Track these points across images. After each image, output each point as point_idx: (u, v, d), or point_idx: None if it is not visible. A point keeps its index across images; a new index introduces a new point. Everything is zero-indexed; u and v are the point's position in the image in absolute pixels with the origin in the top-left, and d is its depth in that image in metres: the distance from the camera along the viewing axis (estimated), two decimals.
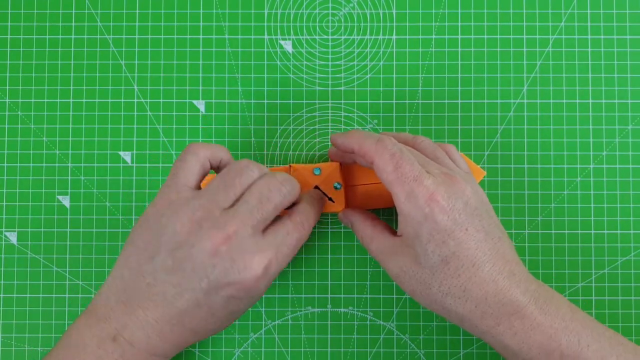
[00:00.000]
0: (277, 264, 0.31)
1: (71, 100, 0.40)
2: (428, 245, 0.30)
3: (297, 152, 0.40)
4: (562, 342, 0.30)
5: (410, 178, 0.30)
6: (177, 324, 0.31)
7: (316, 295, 0.40)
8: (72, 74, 0.40)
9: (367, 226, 0.35)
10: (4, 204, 0.40)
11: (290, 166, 0.37)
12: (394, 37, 0.41)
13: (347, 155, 0.36)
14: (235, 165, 0.32)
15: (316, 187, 0.36)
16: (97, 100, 0.40)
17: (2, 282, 0.40)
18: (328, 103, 0.40)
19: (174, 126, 0.40)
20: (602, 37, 0.40)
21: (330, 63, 0.41)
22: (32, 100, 0.40)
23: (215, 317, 0.31)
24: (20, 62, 0.41)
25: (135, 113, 0.40)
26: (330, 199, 0.36)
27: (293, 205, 0.34)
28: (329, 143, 0.40)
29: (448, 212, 0.30)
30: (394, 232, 0.34)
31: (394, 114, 0.40)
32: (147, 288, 0.31)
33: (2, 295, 0.40)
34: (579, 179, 0.40)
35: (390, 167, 0.31)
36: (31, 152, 0.40)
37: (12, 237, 0.40)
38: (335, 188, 0.36)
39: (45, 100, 0.40)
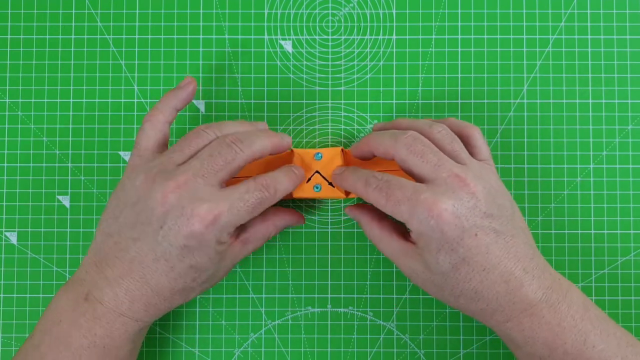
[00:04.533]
0: (229, 216, 0.31)
1: (71, 100, 0.40)
2: (438, 255, 0.31)
3: None
4: (567, 340, 0.31)
5: (404, 200, 0.30)
6: (140, 280, 0.31)
7: (316, 295, 0.40)
8: (72, 74, 0.40)
9: (374, 227, 0.35)
10: (4, 204, 0.40)
11: (291, 150, 0.37)
12: (394, 37, 0.41)
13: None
14: (196, 128, 0.34)
15: (317, 172, 0.36)
16: (97, 100, 0.40)
17: (2, 282, 0.40)
18: (328, 103, 0.40)
19: (174, 126, 0.40)
20: (602, 37, 0.40)
21: (330, 63, 0.41)
22: (32, 100, 0.40)
23: (174, 271, 0.31)
24: (20, 62, 0.41)
25: (135, 113, 0.40)
26: (330, 183, 0.36)
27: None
28: (329, 143, 0.40)
29: (454, 221, 0.30)
30: (402, 232, 0.34)
31: (394, 114, 0.40)
32: (115, 246, 0.32)
33: (2, 295, 0.40)
34: (579, 179, 0.40)
35: (382, 200, 0.31)
36: (31, 152, 0.40)
37: (12, 237, 0.40)
38: None
39: (45, 100, 0.40)
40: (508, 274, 0.31)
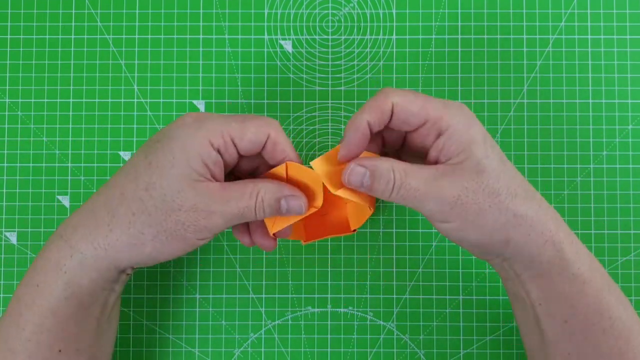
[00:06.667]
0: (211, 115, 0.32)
1: (71, 100, 0.40)
2: (486, 146, 0.30)
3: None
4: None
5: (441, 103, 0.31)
6: (111, 188, 0.31)
7: (316, 295, 0.40)
8: (72, 74, 0.41)
9: (397, 162, 0.31)
10: (4, 204, 0.40)
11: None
12: (394, 37, 0.41)
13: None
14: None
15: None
16: (97, 100, 0.40)
17: (2, 282, 0.40)
18: (328, 103, 0.40)
19: None
20: (602, 37, 0.40)
21: (330, 63, 0.41)
22: (32, 100, 0.40)
23: (134, 166, 0.31)
24: (20, 62, 0.41)
25: (135, 113, 0.40)
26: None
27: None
28: (329, 143, 0.40)
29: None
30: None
31: None
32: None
33: (2, 295, 0.40)
34: (579, 179, 0.40)
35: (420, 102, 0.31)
36: (31, 152, 0.40)
37: (12, 237, 0.40)
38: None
39: (45, 100, 0.40)
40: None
